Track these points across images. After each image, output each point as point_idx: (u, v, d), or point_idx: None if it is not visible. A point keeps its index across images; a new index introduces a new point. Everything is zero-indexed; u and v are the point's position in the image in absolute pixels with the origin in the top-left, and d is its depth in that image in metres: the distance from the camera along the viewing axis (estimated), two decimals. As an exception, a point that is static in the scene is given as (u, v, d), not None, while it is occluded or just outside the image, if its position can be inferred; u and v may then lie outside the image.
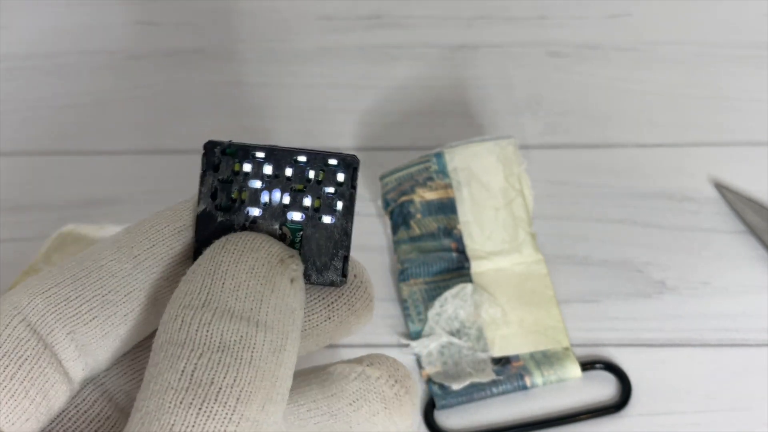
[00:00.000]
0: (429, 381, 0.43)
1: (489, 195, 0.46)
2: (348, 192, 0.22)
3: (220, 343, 0.19)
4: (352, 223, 0.22)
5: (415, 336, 0.45)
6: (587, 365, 0.44)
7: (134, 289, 0.21)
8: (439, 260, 0.46)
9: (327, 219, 0.22)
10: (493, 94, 0.52)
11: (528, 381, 0.43)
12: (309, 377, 0.23)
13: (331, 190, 0.22)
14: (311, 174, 0.22)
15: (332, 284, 0.22)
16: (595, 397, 0.44)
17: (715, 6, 0.55)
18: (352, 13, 0.56)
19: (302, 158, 0.22)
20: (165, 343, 0.19)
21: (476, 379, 0.43)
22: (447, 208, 0.46)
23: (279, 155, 0.22)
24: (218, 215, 0.22)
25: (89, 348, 0.21)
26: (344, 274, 0.22)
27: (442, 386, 0.43)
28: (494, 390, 0.43)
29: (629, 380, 0.44)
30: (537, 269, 0.46)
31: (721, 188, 0.49)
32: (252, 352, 0.19)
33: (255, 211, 0.22)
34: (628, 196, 0.49)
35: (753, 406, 0.43)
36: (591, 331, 0.45)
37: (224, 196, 0.22)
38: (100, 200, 0.50)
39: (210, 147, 0.22)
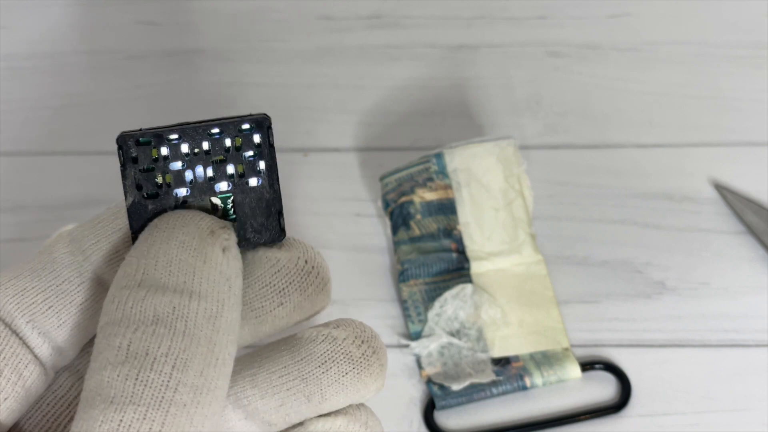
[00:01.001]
0: (429, 381, 0.43)
1: (489, 196, 0.46)
2: (267, 151, 0.22)
3: (153, 316, 0.19)
4: (278, 179, 0.22)
5: (415, 336, 0.45)
6: (587, 366, 0.44)
7: (86, 280, 0.22)
8: (439, 261, 0.46)
9: (253, 181, 0.22)
10: (493, 94, 0.52)
11: (528, 381, 0.43)
12: (279, 345, 0.23)
13: (250, 153, 0.22)
14: (228, 142, 0.22)
15: (273, 242, 0.23)
16: (595, 397, 0.44)
17: (715, 6, 0.55)
18: (352, 13, 0.56)
19: (216, 130, 0.22)
20: (105, 325, 0.20)
21: (476, 380, 0.43)
22: (447, 208, 0.46)
23: (192, 132, 0.22)
24: (148, 204, 0.22)
25: (51, 335, 0.22)
26: (282, 229, 0.23)
27: (442, 387, 0.43)
28: (494, 390, 0.43)
29: (629, 381, 0.44)
30: (537, 270, 0.46)
31: (720, 189, 0.49)
32: (186, 321, 0.19)
33: (183, 191, 0.22)
34: (628, 196, 0.49)
35: (753, 406, 0.43)
36: (591, 332, 0.45)
37: (149, 185, 0.22)
38: (100, 200, 0.50)
39: (123, 140, 0.22)
